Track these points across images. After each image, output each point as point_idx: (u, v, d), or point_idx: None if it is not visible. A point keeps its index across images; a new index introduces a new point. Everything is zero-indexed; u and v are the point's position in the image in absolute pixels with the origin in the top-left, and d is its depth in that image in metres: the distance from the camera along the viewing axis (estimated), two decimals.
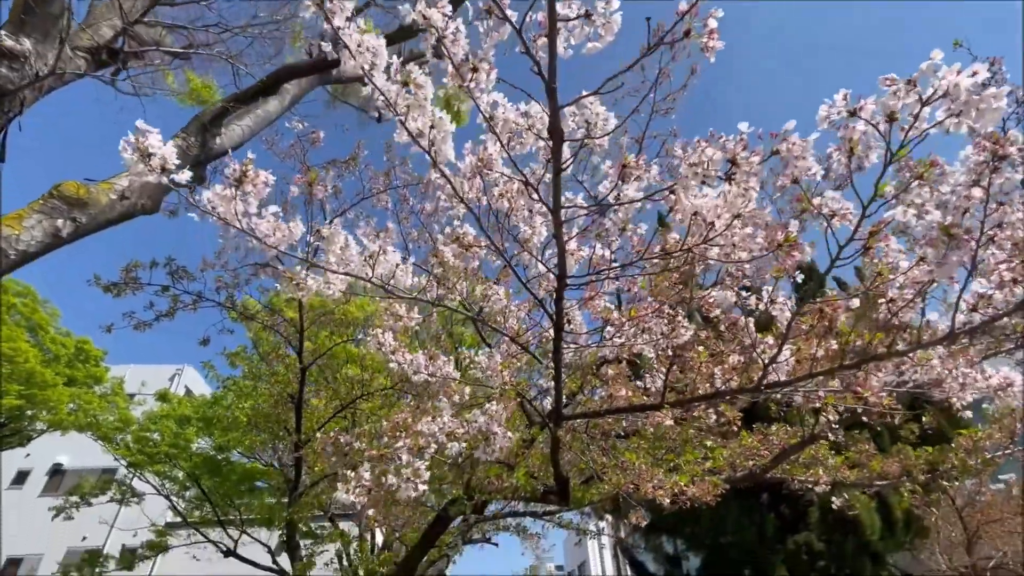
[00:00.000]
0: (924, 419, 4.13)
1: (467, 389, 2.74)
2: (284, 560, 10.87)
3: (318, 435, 3.94)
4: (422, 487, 2.18)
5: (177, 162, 1.54)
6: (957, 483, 4.74)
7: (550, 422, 3.37)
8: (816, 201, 1.68)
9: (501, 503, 8.01)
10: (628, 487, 3.39)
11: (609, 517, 10.69)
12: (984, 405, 3.96)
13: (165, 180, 1.60)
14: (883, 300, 1.95)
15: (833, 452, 4.35)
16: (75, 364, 13.68)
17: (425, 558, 6.37)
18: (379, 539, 9.41)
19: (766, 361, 2.21)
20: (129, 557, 12.47)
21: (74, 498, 12.34)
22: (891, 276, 1.86)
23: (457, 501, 4.61)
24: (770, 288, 2.02)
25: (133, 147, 1.48)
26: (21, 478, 18.06)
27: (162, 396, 13.38)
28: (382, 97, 1.53)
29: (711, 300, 2.39)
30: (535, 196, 1.80)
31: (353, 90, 8.37)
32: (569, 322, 2.49)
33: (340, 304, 5.55)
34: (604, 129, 1.61)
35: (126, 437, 12.53)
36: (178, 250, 4.98)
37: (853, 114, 1.45)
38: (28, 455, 17.91)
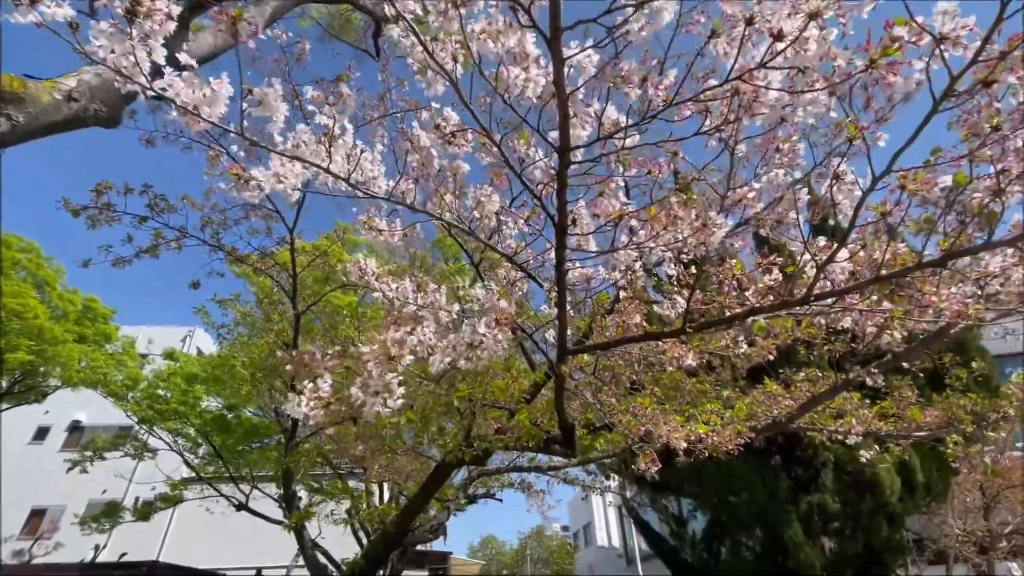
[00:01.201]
0: (974, 364, 3.69)
1: (455, 307, 2.32)
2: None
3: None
4: (393, 404, 1.80)
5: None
6: (1004, 435, 4.31)
7: (554, 359, 2.98)
8: (919, 19, 1.19)
9: (504, 457, 7.78)
10: (639, 430, 3.01)
11: (616, 477, 10.49)
12: None
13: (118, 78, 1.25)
14: (989, 177, 1.47)
15: (868, 402, 3.93)
16: (83, 321, 13.61)
17: (428, 511, 6.16)
18: (387, 495, 9.33)
19: (821, 261, 1.75)
20: (145, 509, 12.70)
21: (88, 453, 12.55)
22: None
23: (456, 450, 4.29)
24: (839, 157, 1.54)
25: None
26: (42, 434, 18.43)
27: (169, 354, 13.33)
28: None
29: (750, 193, 1.92)
30: (526, 20, 1.33)
31: (349, 28, 7.77)
32: (574, 222, 2.04)
33: (332, 244, 5.15)
34: None
35: (136, 394, 12.59)
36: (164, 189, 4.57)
37: None
38: (47, 412, 18.20)
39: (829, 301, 2.25)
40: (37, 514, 17.09)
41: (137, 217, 4.31)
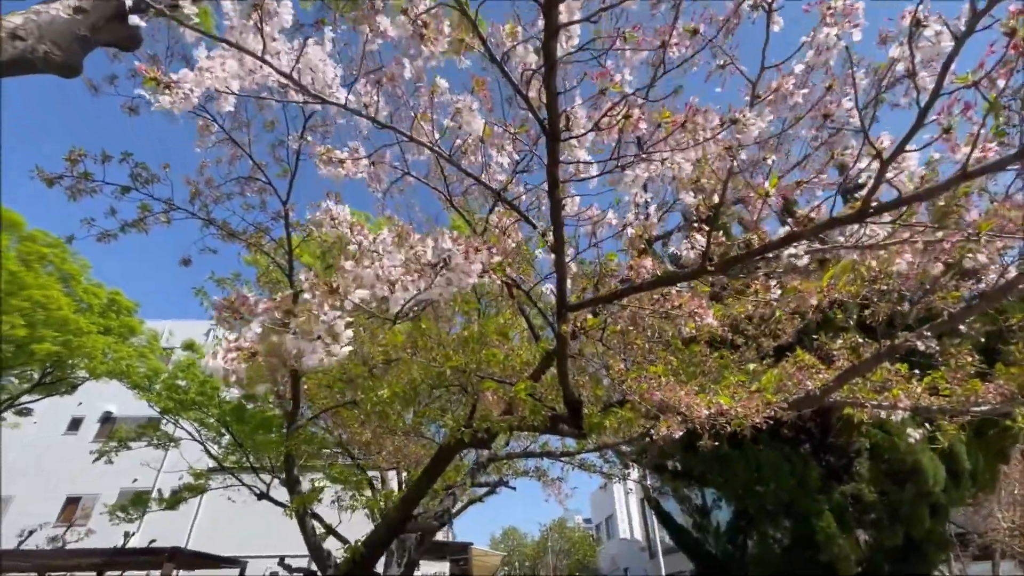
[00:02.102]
0: None
1: (431, 241, 1.93)
2: (319, 507, 10.87)
3: None
4: (339, 351, 1.44)
5: None
6: None
7: (554, 317, 2.58)
8: None
9: (516, 444, 7.40)
10: (653, 396, 2.58)
11: (636, 466, 10.01)
12: None
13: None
14: None
15: (917, 373, 3.40)
16: (108, 314, 13.77)
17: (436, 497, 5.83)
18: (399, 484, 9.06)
19: (887, 156, 1.30)
20: (173, 498, 12.84)
21: (113, 443, 12.78)
22: None
23: (456, 430, 3.93)
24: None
25: None
26: (76, 424, 18.88)
27: (188, 345, 13.44)
28: None
29: (790, 80, 1.48)
30: None
31: None
32: (568, 125, 1.63)
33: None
34: None
35: (158, 386, 12.75)
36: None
37: None
38: (80, 403, 18.62)
39: (885, 231, 1.79)
40: (72, 502, 17.50)
41: (119, 187, 4.06)
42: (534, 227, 2.31)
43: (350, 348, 1.48)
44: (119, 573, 13.75)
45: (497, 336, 3.00)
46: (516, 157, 2.10)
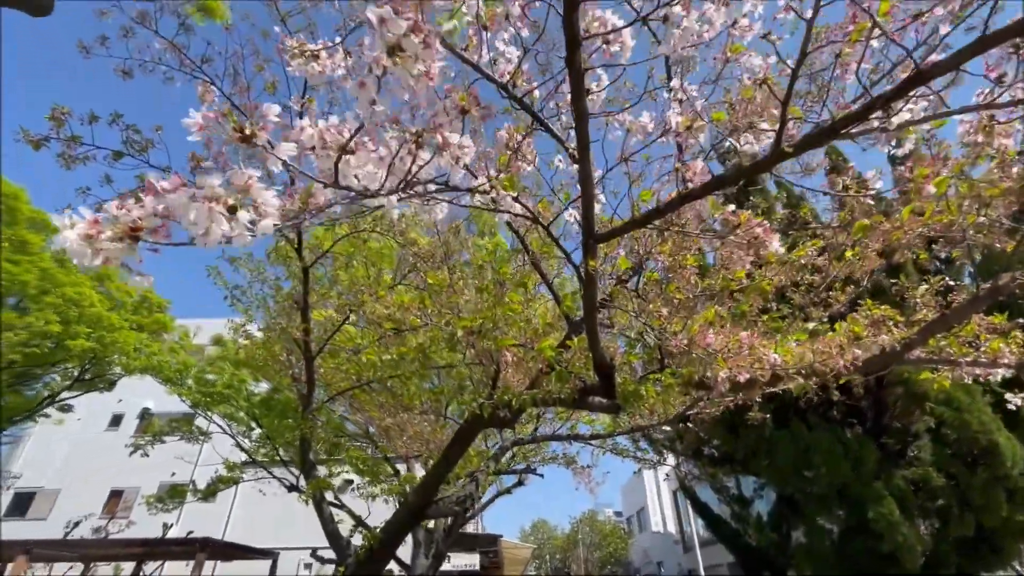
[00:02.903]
0: None
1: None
2: (346, 497, 10.72)
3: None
4: (267, 226, 1.03)
5: None
6: None
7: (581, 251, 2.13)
8: None
9: (543, 427, 6.96)
10: (705, 341, 2.10)
11: (670, 453, 9.44)
12: None
13: None
14: None
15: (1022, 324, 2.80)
16: (140, 311, 13.95)
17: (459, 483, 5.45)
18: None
19: None
20: (210, 489, 12.98)
21: (148, 436, 13.00)
22: None
23: (473, 403, 3.52)
24: None
25: None
26: (117, 421, 19.40)
27: (217, 340, 13.54)
28: None
29: None
30: None
31: None
32: None
33: None
34: None
35: (187, 380, 12.90)
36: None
37: None
38: (120, 400, 19.11)
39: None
40: (115, 495, 17.97)
41: (111, 152, 3.79)
42: (556, 136, 1.85)
43: (273, 223, 1.05)
44: (160, 563, 14.01)
45: (515, 285, 2.57)
46: (525, 34, 1.65)
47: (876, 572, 5.82)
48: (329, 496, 7.87)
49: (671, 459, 9.28)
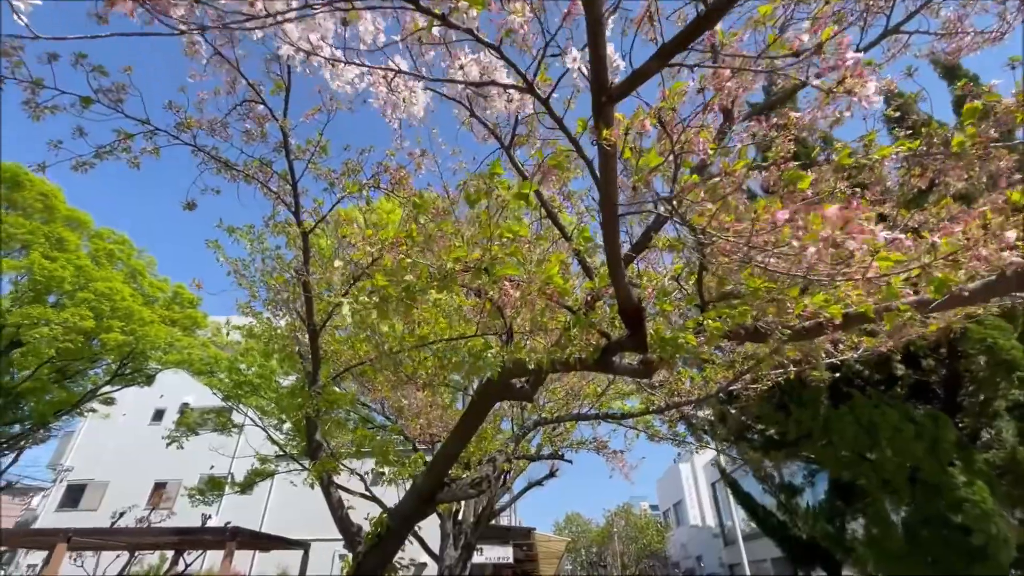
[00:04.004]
0: None
1: None
2: (378, 489, 10.41)
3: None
4: None
5: None
6: None
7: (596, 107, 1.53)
8: None
9: (569, 405, 6.34)
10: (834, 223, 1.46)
11: (709, 437, 8.64)
12: None
13: None
14: None
15: None
16: (172, 307, 14.09)
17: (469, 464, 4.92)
18: None
19: None
20: (248, 481, 13.04)
21: (183, 429, 13.20)
22: None
23: (479, 359, 2.97)
24: None
25: None
26: (159, 415, 19.87)
27: (249, 332, 13.51)
28: None
29: None
30: None
31: None
32: None
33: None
34: None
35: (221, 375, 12.95)
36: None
37: None
38: (162, 396, 19.57)
39: None
40: (159, 487, 18.39)
41: (80, 99, 3.41)
42: None
43: None
44: (202, 552, 14.13)
45: (514, 199, 1.99)
46: None
47: (960, 569, 4.96)
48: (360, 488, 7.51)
49: (711, 445, 8.49)
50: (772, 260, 1.77)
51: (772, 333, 2.66)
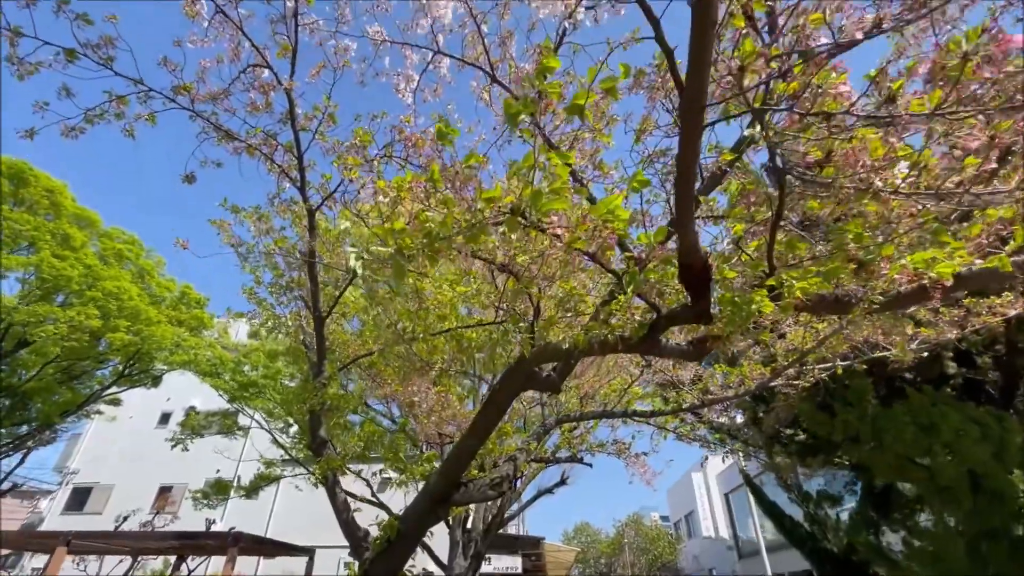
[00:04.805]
0: None
1: None
2: (384, 496, 9.96)
3: None
4: None
5: None
6: None
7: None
8: None
9: (596, 397, 5.87)
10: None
11: (734, 441, 8.07)
12: None
13: None
14: None
15: None
16: (179, 307, 13.81)
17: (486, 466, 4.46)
18: None
19: None
20: (250, 485, 12.64)
21: (187, 431, 12.87)
22: None
23: (503, 335, 2.54)
24: None
25: None
26: (165, 418, 19.55)
27: (254, 333, 13.26)
28: None
29: None
30: None
31: None
32: None
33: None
34: None
35: (226, 375, 12.64)
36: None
37: None
38: (168, 399, 19.26)
39: None
40: (165, 490, 18.01)
41: (63, 50, 3.06)
42: None
43: None
44: (206, 558, 13.67)
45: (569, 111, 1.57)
46: None
47: None
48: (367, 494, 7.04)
49: (738, 449, 7.92)
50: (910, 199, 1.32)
51: (859, 302, 2.21)
